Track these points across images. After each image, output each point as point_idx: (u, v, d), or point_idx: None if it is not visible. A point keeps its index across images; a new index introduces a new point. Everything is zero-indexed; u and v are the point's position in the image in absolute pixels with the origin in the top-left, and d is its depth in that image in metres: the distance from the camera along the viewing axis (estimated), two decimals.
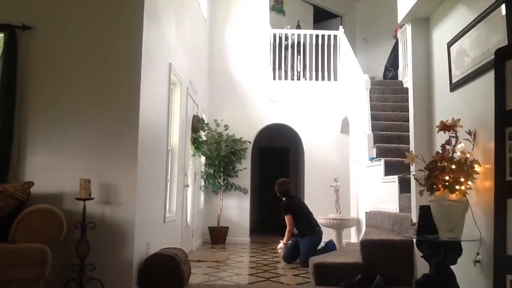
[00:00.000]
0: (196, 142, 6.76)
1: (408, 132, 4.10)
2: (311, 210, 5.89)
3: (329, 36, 8.04)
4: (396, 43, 8.31)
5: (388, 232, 4.45)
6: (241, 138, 7.56)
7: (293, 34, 8.26)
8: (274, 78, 8.01)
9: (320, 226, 5.80)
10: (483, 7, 2.87)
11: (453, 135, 2.96)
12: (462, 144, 2.93)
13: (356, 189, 6.62)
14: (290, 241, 5.69)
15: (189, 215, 6.18)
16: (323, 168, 7.50)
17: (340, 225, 6.12)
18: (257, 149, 9.31)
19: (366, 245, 4.03)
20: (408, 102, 4.17)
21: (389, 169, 5.04)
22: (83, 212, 3.37)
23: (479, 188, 2.86)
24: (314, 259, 4.38)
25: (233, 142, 7.46)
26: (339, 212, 6.34)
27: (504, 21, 2.63)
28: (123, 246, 3.54)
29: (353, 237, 6.56)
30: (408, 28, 4.07)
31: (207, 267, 5.04)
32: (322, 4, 10.42)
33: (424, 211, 3.00)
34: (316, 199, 7.02)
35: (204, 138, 7.17)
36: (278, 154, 10.79)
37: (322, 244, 5.69)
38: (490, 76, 2.71)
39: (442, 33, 3.63)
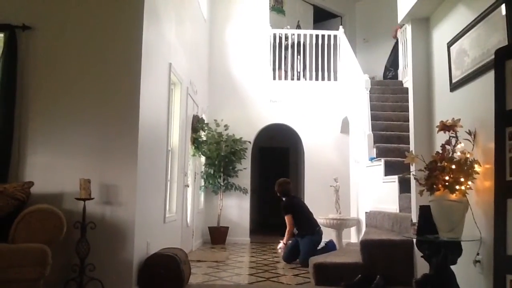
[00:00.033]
0: (196, 142, 6.76)
1: (408, 132, 4.10)
2: (311, 210, 5.89)
3: (329, 36, 8.04)
4: (396, 43, 8.31)
5: (388, 232, 4.45)
6: (241, 138, 7.56)
7: (293, 34, 8.26)
8: (274, 78, 8.01)
9: (320, 226, 5.80)
10: (483, 7, 2.87)
11: (453, 135, 2.96)
12: (462, 144, 2.93)
13: (356, 189, 6.62)
14: (290, 241, 5.69)
15: (189, 215, 6.19)
16: (323, 168, 7.50)
17: (340, 225, 6.12)
18: (257, 149, 9.31)
19: (366, 245, 4.03)
20: (408, 102, 4.17)
21: (389, 169, 5.04)
22: (83, 212, 3.37)
23: (479, 188, 2.86)
24: (314, 259, 4.38)
25: (233, 142, 7.46)
26: (339, 212, 6.34)
27: (504, 21, 2.63)
28: (123, 246, 3.54)
29: (353, 237, 6.56)
30: (408, 28, 4.07)
31: (207, 267, 5.04)
32: (322, 4, 10.42)
33: (424, 211, 3.00)
34: (316, 199, 7.02)
35: (204, 138, 7.17)
36: (278, 154, 10.79)
37: (322, 244, 5.69)
38: (490, 76, 2.71)
39: (442, 33, 3.63)
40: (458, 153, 2.88)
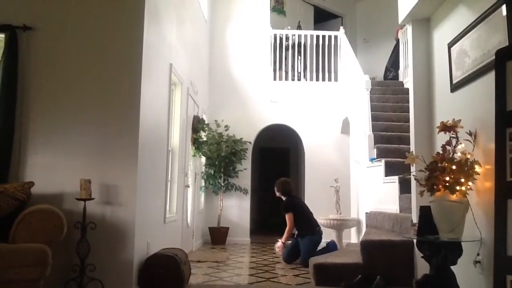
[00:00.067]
0: (197, 143, 6.76)
1: (409, 132, 4.10)
2: (311, 210, 5.89)
3: (329, 36, 8.04)
4: (397, 44, 8.30)
5: (388, 232, 4.45)
6: (241, 138, 7.56)
7: (294, 35, 8.26)
8: (275, 79, 8.01)
9: (320, 226, 5.80)
10: (484, 8, 2.87)
11: (453, 135, 2.96)
12: (463, 145, 2.93)
13: (356, 190, 6.62)
14: (289, 241, 5.69)
15: (190, 216, 6.19)
16: (324, 169, 7.50)
17: (340, 226, 6.12)
18: (257, 150, 9.31)
19: (367, 246, 4.03)
20: (408, 102, 4.17)
21: (390, 170, 5.04)
22: (83, 212, 3.37)
23: (480, 188, 2.86)
24: (314, 260, 4.38)
25: (234, 143, 7.46)
26: (340, 212, 6.34)
27: (505, 22, 2.63)
28: (123, 246, 3.54)
29: (353, 237, 6.56)
30: (409, 28, 4.07)
31: (207, 267, 5.04)
32: (322, 4, 10.42)
33: (425, 211, 2.99)
34: (317, 200, 7.02)
35: (205, 139, 7.17)
36: (278, 154, 10.79)
37: (323, 244, 5.69)
38: (490, 77, 2.71)
39: (442, 33, 3.63)
40: (459, 154, 2.88)
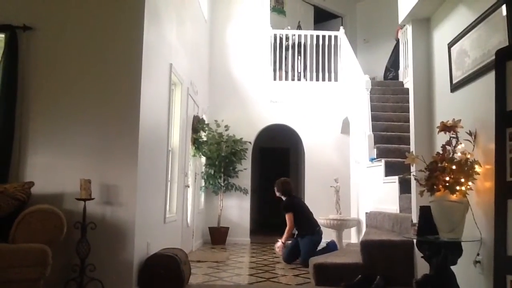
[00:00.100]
0: (197, 143, 6.77)
1: (409, 132, 4.10)
2: (311, 210, 5.89)
3: (329, 36, 8.04)
4: (397, 44, 8.30)
5: (388, 232, 4.45)
6: (241, 138, 7.56)
7: (294, 35, 8.26)
8: (275, 79, 8.01)
9: (320, 226, 5.81)
10: (484, 8, 2.87)
11: (453, 135, 2.96)
12: (463, 145, 2.93)
13: (356, 190, 6.62)
14: (289, 241, 5.69)
15: (190, 216, 6.19)
16: (324, 169, 7.50)
17: (340, 226, 6.12)
18: (257, 150, 9.31)
19: (366, 246, 4.03)
20: (408, 102, 4.17)
21: (390, 170, 5.04)
22: (83, 212, 3.37)
23: (480, 188, 2.86)
24: (314, 260, 4.38)
25: (234, 143, 7.46)
26: (340, 212, 6.34)
27: (505, 22, 2.63)
28: (123, 247, 3.54)
29: (353, 237, 6.56)
30: (409, 28, 4.07)
31: (207, 267, 5.04)
32: (322, 4, 10.42)
33: (425, 211, 3.00)
34: (317, 200, 7.02)
35: (205, 139, 7.17)
36: (278, 154, 10.79)
37: (323, 244, 5.69)
38: (490, 77, 2.71)
39: (442, 33, 3.63)
40: (459, 154, 2.88)
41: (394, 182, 4.75)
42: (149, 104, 3.93)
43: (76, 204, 3.41)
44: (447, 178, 2.78)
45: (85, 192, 3.36)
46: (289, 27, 8.63)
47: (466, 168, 2.78)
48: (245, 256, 6.09)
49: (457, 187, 2.75)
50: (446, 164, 2.82)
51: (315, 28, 9.68)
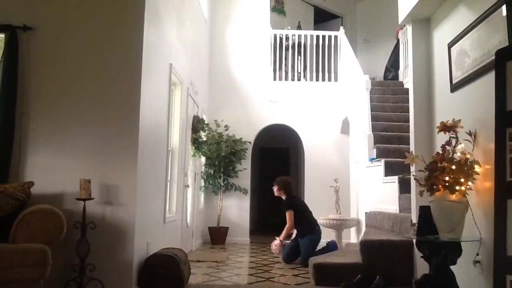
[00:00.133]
0: (196, 143, 6.77)
1: (409, 132, 4.10)
2: (311, 210, 5.89)
3: (329, 36, 8.04)
4: (397, 44, 8.31)
5: (388, 232, 4.45)
6: (241, 138, 7.56)
7: (294, 35, 8.26)
8: (275, 79, 8.01)
9: (320, 226, 5.80)
10: (484, 8, 2.87)
11: (453, 135, 2.96)
12: (462, 145, 2.93)
13: (356, 190, 6.62)
14: (288, 241, 5.68)
15: (189, 216, 6.19)
16: (323, 169, 7.50)
17: (340, 226, 6.12)
18: (257, 150, 9.31)
19: (366, 246, 4.03)
20: (408, 102, 4.17)
21: (389, 170, 5.05)
22: (83, 212, 3.37)
23: (479, 188, 2.86)
24: (314, 259, 4.39)
25: (233, 143, 7.46)
26: (339, 212, 6.34)
27: (505, 22, 2.63)
28: (123, 246, 3.54)
29: (353, 237, 6.56)
30: (409, 28, 4.07)
31: (207, 267, 5.04)
32: (322, 4, 10.42)
33: (424, 211, 3.00)
34: (316, 200, 7.02)
35: (205, 139, 7.17)
36: (278, 154, 10.79)
37: (323, 244, 5.69)
38: (490, 77, 2.72)
39: (442, 34, 3.63)
40: (458, 154, 2.88)
41: (394, 182, 4.75)
42: (149, 104, 3.93)
43: (76, 204, 3.41)
44: (447, 178, 2.78)
45: (85, 192, 3.36)
46: (289, 27, 8.62)
47: (465, 168, 2.78)
48: (245, 256, 6.09)
49: (457, 187, 2.75)
50: (446, 164, 2.82)
51: (315, 28, 9.67)
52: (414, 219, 3.68)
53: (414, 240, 3.37)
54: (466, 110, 3.11)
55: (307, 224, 5.66)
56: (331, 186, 6.50)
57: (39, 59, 3.70)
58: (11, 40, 3.62)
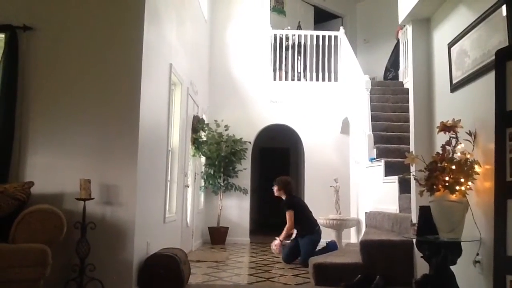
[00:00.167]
0: (196, 143, 6.77)
1: (408, 132, 4.10)
2: (311, 210, 5.89)
3: (329, 36, 8.04)
4: (397, 44, 8.31)
5: (388, 232, 4.45)
6: (241, 138, 7.56)
7: (294, 35, 8.26)
8: (275, 79, 8.01)
9: (320, 226, 5.80)
10: (484, 8, 2.87)
11: (453, 135, 2.96)
12: (462, 145, 2.93)
13: (356, 190, 6.62)
14: (287, 241, 5.68)
15: (189, 215, 6.19)
16: (323, 169, 7.50)
17: (340, 226, 6.12)
18: (257, 150, 9.31)
19: (366, 246, 4.03)
20: (408, 102, 4.17)
21: (389, 170, 5.05)
22: (83, 212, 3.37)
23: (479, 188, 2.86)
24: (314, 259, 4.39)
25: (233, 143, 7.46)
26: (339, 212, 6.34)
27: (505, 22, 2.64)
28: (123, 246, 3.54)
29: (353, 237, 6.56)
30: (409, 28, 4.07)
31: (207, 267, 5.04)
32: (322, 5, 10.42)
33: (424, 211, 3.00)
34: (316, 200, 7.02)
35: (204, 139, 7.17)
36: (278, 154, 10.79)
37: (323, 244, 5.69)
38: (490, 77, 2.72)
39: (442, 34, 3.63)
40: (458, 154, 2.88)
41: (394, 182, 4.75)
42: (149, 104, 3.93)
43: (76, 204, 3.41)
44: (447, 178, 2.78)
45: (84, 192, 3.36)
46: (289, 27, 8.62)
47: (465, 168, 2.78)
48: (245, 256, 6.09)
49: (457, 187, 2.75)
50: (446, 164, 2.82)
51: (315, 28, 9.67)
52: (414, 219, 3.68)
53: (414, 240, 3.37)
54: (466, 110, 3.11)
55: (307, 224, 5.66)
56: (331, 186, 6.51)
57: (39, 59, 3.70)
58: (11, 40, 3.62)
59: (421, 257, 3.06)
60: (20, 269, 2.87)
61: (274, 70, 8.03)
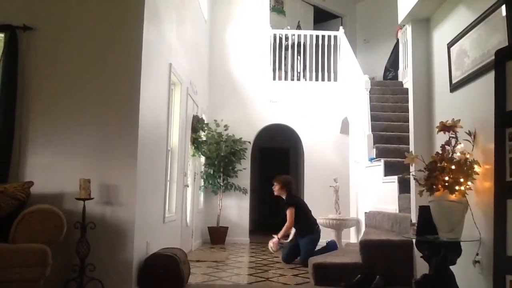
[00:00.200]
0: (196, 142, 6.77)
1: (408, 132, 4.10)
2: (310, 209, 5.89)
3: (329, 36, 8.04)
4: (396, 44, 8.31)
5: (387, 232, 4.46)
6: (241, 138, 7.56)
7: (293, 35, 8.26)
8: (274, 79, 8.01)
9: (319, 225, 5.81)
10: (484, 8, 2.88)
11: (453, 135, 2.97)
12: (462, 145, 2.93)
13: (355, 190, 6.63)
14: (286, 241, 5.68)
15: (189, 215, 6.19)
16: (323, 169, 7.50)
17: (339, 225, 6.13)
18: (257, 150, 9.31)
19: (366, 245, 4.03)
20: (408, 102, 4.18)
21: (389, 170, 5.05)
22: (83, 212, 3.37)
23: (479, 188, 2.86)
24: (314, 259, 4.39)
25: (233, 143, 7.46)
26: (339, 212, 6.34)
27: (505, 22, 2.64)
28: (123, 246, 3.55)
29: (352, 237, 6.56)
30: (409, 28, 4.07)
31: (207, 267, 5.05)
32: (322, 4, 10.42)
33: (424, 211, 3.00)
34: (316, 200, 7.01)
35: (204, 138, 7.17)
36: (278, 154, 10.79)
37: (323, 243, 5.69)
38: (490, 77, 2.72)
39: (442, 33, 3.63)
40: (458, 154, 2.89)
41: (394, 182, 4.75)
42: (148, 104, 3.93)
43: (76, 204, 3.41)
44: (447, 178, 2.78)
45: (84, 192, 3.36)
46: (288, 27, 8.62)
47: (465, 168, 2.78)
48: (245, 255, 6.09)
49: (457, 187, 2.76)
50: (446, 164, 2.82)
51: (315, 28, 9.67)
52: (414, 219, 3.68)
53: (414, 240, 3.37)
54: (465, 110, 3.12)
55: (306, 224, 5.66)
56: (330, 186, 6.51)
57: (39, 59, 3.70)
58: (11, 40, 3.62)
59: (421, 257, 3.06)
60: (20, 269, 2.87)
61: (274, 70, 8.04)
